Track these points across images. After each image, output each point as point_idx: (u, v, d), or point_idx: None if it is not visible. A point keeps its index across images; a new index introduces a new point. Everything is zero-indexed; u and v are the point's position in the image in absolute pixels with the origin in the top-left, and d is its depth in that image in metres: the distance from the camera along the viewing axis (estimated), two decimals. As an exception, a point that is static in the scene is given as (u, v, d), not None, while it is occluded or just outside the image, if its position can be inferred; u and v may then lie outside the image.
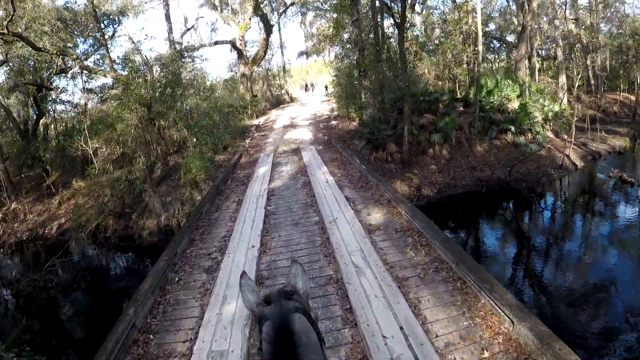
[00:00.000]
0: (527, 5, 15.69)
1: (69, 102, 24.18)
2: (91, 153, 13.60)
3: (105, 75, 13.28)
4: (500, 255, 8.24)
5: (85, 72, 17.43)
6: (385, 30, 12.76)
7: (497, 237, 9.35)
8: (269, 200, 7.61)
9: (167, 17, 14.02)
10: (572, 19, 23.59)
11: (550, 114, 16.22)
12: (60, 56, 14.25)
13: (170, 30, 14.15)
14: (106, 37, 16.68)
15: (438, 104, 13.52)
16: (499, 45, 27.49)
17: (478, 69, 13.19)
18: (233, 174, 10.66)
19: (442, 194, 11.43)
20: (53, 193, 14.68)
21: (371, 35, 12.56)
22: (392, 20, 12.10)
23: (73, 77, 21.98)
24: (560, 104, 18.05)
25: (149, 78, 11.82)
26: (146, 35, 20.67)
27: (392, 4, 11.70)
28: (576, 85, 23.32)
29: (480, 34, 13.16)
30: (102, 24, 15.01)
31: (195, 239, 6.16)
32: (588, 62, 25.04)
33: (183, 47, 13.64)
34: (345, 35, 12.91)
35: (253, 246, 5.32)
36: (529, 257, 7.96)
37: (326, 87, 32.94)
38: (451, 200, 11.28)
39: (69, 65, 16.72)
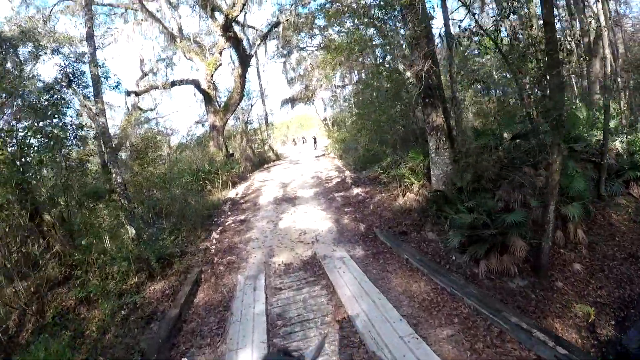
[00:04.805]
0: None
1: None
2: None
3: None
4: None
5: None
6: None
7: None
8: None
9: (89, 37, 8.57)
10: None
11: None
12: None
13: (91, 57, 8.48)
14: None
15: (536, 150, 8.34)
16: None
17: (615, 80, 8.24)
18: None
19: (626, 327, 5.69)
20: None
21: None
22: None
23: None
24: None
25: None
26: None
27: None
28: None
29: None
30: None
31: None
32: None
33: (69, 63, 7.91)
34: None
35: None
36: None
37: (315, 140, 28.71)
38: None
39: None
